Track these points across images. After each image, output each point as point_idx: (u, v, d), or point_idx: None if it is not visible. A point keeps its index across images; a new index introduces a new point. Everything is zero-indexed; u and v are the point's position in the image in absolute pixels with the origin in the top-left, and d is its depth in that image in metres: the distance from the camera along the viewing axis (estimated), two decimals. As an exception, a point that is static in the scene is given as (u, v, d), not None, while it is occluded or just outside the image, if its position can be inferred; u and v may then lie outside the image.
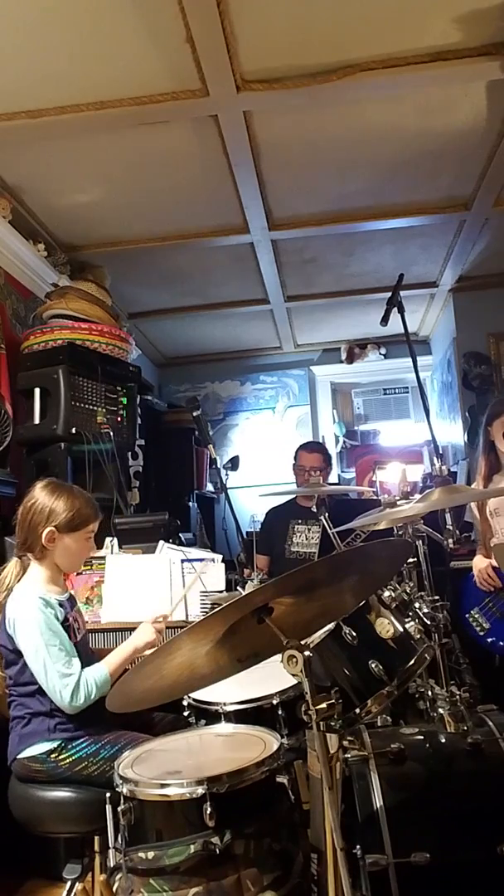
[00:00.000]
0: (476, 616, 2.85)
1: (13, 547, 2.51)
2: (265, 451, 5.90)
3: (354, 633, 1.54)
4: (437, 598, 1.82)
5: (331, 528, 2.56)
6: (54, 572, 2.00)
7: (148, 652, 1.95)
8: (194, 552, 2.69)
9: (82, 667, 1.84)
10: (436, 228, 3.97)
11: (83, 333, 3.31)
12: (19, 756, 1.83)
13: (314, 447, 3.67)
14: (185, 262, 4.22)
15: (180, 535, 3.30)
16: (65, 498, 1.98)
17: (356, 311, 5.21)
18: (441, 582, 2.24)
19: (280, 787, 1.43)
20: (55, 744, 1.81)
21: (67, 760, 1.80)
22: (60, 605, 1.92)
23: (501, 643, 2.74)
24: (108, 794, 1.44)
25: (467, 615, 2.86)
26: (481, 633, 2.81)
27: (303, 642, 1.20)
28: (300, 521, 3.49)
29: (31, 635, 1.81)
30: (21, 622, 1.83)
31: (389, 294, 2.61)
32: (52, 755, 1.80)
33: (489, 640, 2.78)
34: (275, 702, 1.74)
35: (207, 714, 1.79)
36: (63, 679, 1.79)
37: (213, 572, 2.60)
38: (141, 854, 1.34)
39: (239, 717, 1.73)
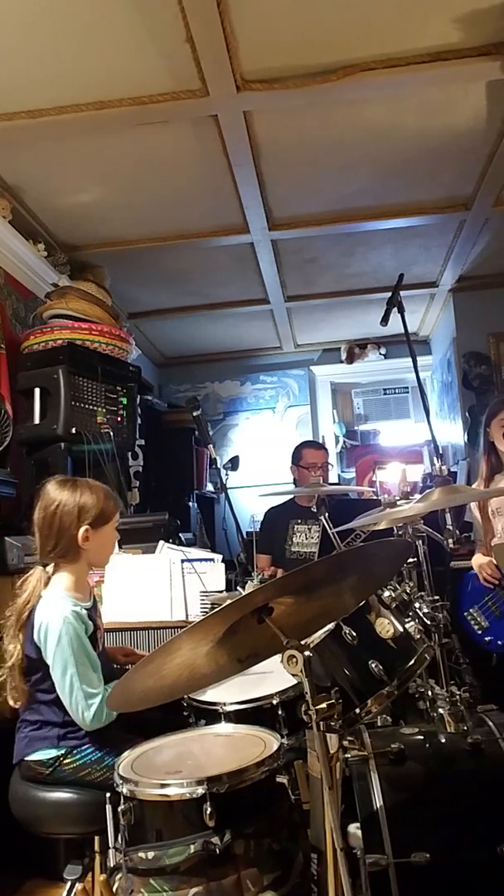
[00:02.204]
0: (475, 614, 2.85)
1: (13, 547, 2.51)
2: (265, 451, 5.90)
3: (354, 633, 1.54)
4: (437, 598, 1.82)
5: (331, 528, 2.56)
6: (81, 575, 1.93)
7: None
8: (194, 552, 2.69)
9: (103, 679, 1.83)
10: (436, 228, 3.97)
11: (83, 333, 3.31)
12: (26, 758, 1.83)
13: (319, 445, 3.68)
14: (185, 262, 4.22)
15: (180, 535, 3.30)
16: (87, 493, 1.91)
17: (356, 311, 5.21)
18: (441, 582, 2.24)
19: (280, 787, 1.43)
20: (62, 751, 1.81)
21: (72, 766, 1.80)
22: (89, 615, 1.88)
23: (500, 642, 2.74)
24: (108, 795, 1.44)
25: (465, 613, 2.86)
26: (479, 632, 2.82)
27: (303, 642, 1.19)
28: (300, 521, 3.49)
29: (61, 650, 1.76)
30: (52, 636, 1.77)
31: (389, 294, 2.61)
32: (59, 760, 1.80)
33: (487, 638, 2.78)
34: (275, 702, 1.74)
35: (207, 714, 1.79)
36: (88, 700, 1.76)
37: (212, 572, 2.60)
38: (141, 854, 1.34)
39: (239, 717, 1.73)
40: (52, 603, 1.83)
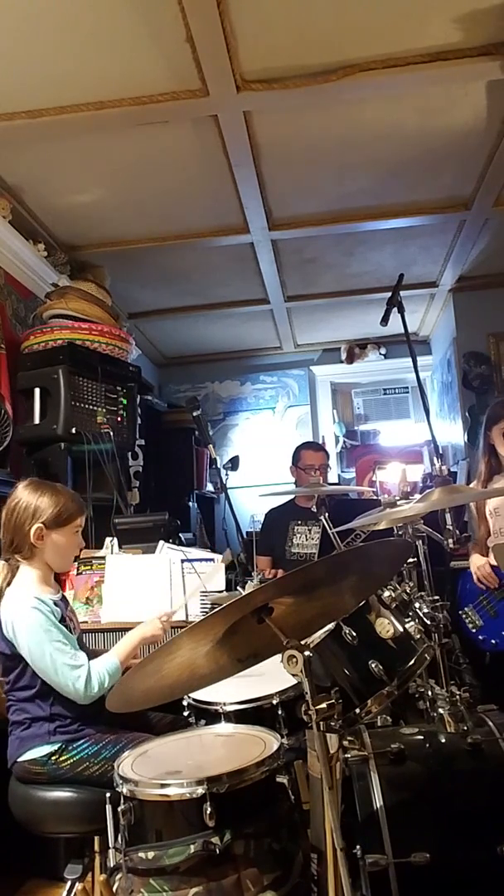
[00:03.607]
0: (469, 613, 2.86)
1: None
2: (265, 451, 5.90)
3: (354, 633, 1.54)
4: (437, 598, 1.82)
5: (331, 529, 2.56)
6: (45, 572, 1.97)
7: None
8: (194, 552, 2.69)
9: None
10: (436, 228, 3.97)
11: (83, 333, 3.31)
12: (20, 759, 1.82)
13: (318, 446, 3.67)
14: (185, 262, 4.22)
15: (180, 535, 3.30)
16: (48, 494, 1.95)
17: (356, 311, 5.21)
18: (441, 582, 2.25)
19: (280, 787, 1.43)
20: (55, 746, 1.81)
21: (69, 762, 1.80)
22: (55, 604, 1.91)
23: (493, 641, 2.75)
24: (108, 794, 1.44)
25: (460, 612, 2.87)
26: (473, 630, 2.82)
27: (303, 642, 1.19)
28: (300, 522, 3.49)
29: (33, 635, 1.80)
30: (20, 624, 1.81)
31: (389, 294, 2.61)
32: (53, 757, 1.80)
33: (480, 637, 2.79)
34: (275, 702, 1.74)
35: (207, 714, 1.79)
36: (74, 671, 1.79)
37: (212, 572, 2.60)
38: (141, 854, 1.34)
39: (239, 717, 1.73)
40: (16, 595, 1.87)
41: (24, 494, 1.95)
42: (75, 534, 2.01)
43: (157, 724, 2.05)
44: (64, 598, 2.04)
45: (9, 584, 1.92)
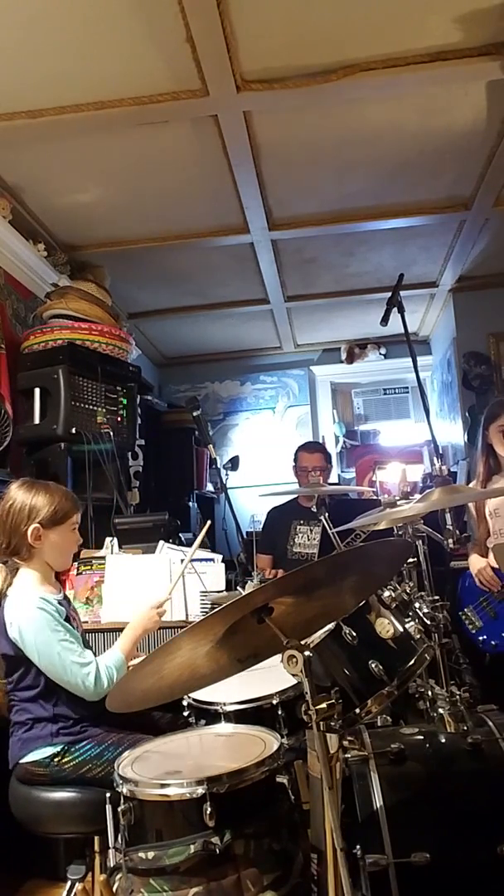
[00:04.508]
0: (469, 614, 2.85)
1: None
2: (265, 451, 5.90)
3: (354, 633, 1.54)
4: (437, 598, 1.82)
5: (331, 528, 2.56)
6: (45, 572, 1.97)
7: None
8: (194, 552, 2.69)
9: None
10: (436, 228, 3.97)
11: (83, 333, 3.31)
12: (21, 761, 1.82)
13: (314, 447, 3.66)
14: (185, 262, 4.22)
15: (180, 535, 3.30)
16: (42, 494, 1.95)
17: (356, 311, 5.21)
18: (441, 582, 2.24)
19: (280, 787, 1.43)
20: (58, 748, 1.81)
21: (71, 764, 1.80)
22: (59, 602, 1.92)
23: (493, 642, 2.74)
24: (108, 794, 1.44)
25: (460, 612, 2.87)
26: (473, 631, 2.82)
27: (303, 642, 1.19)
28: (302, 522, 3.49)
29: (40, 635, 1.79)
30: (27, 624, 1.80)
31: (389, 294, 2.61)
32: (56, 759, 1.80)
33: (480, 638, 2.79)
34: (275, 702, 1.74)
35: (207, 714, 1.79)
36: (83, 668, 1.80)
37: (213, 572, 2.60)
38: (141, 854, 1.34)
39: (239, 717, 1.73)
40: (19, 596, 1.87)
41: (19, 495, 1.94)
42: (72, 531, 2.01)
43: (157, 724, 2.05)
44: (66, 597, 2.04)
45: (10, 586, 1.92)
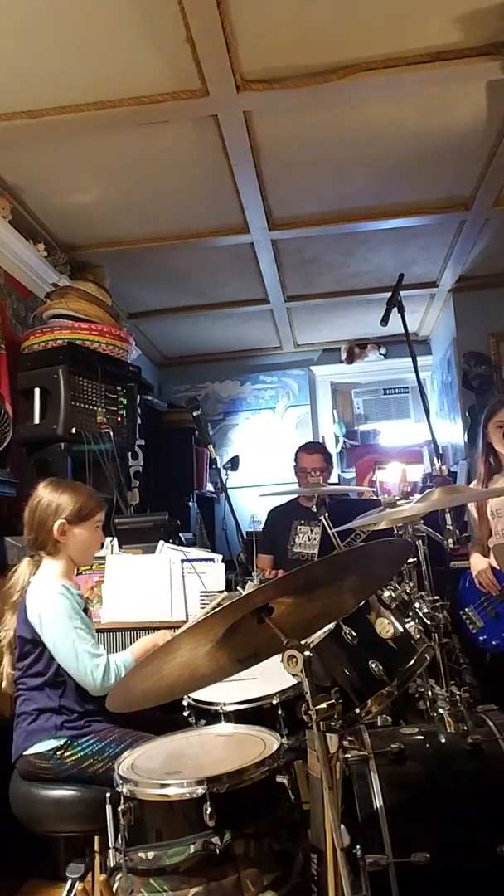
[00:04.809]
0: (470, 614, 2.85)
1: (14, 547, 2.55)
2: (265, 451, 5.90)
3: (354, 633, 1.54)
4: (437, 598, 1.82)
5: (331, 528, 2.56)
6: (68, 566, 2.06)
7: None
8: (194, 552, 2.69)
9: None
10: (436, 228, 3.97)
11: (83, 333, 3.31)
12: (25, 753, 1.84)
13: (314, 448, 3.65)
14: (185, 262, 4.22)
15: (180, 535, 3.30)
16: (69, 492, 2.06)
17: (356, 311, 5.21)
18: (441, 582, 2.24)
19: (280, 787, 1.43)
20: (62, 741, 1.83)
21: (74, 757, 1.82)
22: (79, 595, 1.99)
23: (494, 642, 2.74)
24: (108, 794, 1.44)
25: (461, 612, 2.87)
26: (474, 631, 2.82)
27: (303, 642, 1.19)
28: (303, 522, 3.49)
29: (59, 620, 1.86)
30: (48, 609, 1.88)
31: (389, 294, 2.61)
32: (59, 752, 1.82)
33: (481, 637, 2.79)
34: (275, 702, 1.74)
35: (207, 714, 1.79)
36: (94, 660, 1.85)
37: (213, 572, 2.60)
38: (141, 854, 1.34)
39: (239, 717, 1.73)
40: (43, 583, 1.96)
41: (46, 493, 2.06)
42: (96, 529, 2.11)
43: (157, 724, 2.05)
44: (82, 596, 2.09)
45: (33, 575, 2.00)
